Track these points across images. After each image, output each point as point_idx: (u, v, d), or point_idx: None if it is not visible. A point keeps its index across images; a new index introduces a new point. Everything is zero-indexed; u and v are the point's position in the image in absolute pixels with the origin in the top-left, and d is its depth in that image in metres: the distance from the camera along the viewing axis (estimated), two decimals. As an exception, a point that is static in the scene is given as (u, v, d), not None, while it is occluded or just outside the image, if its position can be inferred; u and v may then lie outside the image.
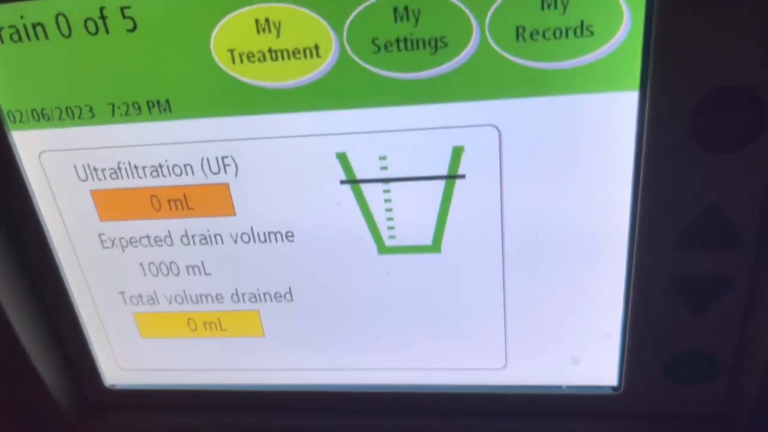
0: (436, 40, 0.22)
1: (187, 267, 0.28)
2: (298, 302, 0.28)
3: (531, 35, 0.21)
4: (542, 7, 0.21)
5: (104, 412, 0.33)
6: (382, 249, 0.27)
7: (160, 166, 0.26)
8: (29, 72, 0.25)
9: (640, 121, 0.22)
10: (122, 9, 0.23)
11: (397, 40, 0.22)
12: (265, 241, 0.27)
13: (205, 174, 0.26)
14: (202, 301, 0.29)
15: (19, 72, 0.25)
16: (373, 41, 0.22)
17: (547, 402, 0.29)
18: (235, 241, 0.27)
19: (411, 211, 0.26)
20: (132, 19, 0.23)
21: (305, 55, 0.23)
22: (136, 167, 0.26)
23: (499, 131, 0.23)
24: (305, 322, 0.29)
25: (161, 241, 0.28)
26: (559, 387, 0.29)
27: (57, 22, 0.23)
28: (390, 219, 0.26)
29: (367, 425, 0.31)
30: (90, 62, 0.24)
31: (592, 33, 0.21)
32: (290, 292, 0.28)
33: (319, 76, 0.23)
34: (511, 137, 0.23)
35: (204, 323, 0.30)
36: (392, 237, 0.26)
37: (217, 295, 0.29)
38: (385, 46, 0.22)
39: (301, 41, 0.23)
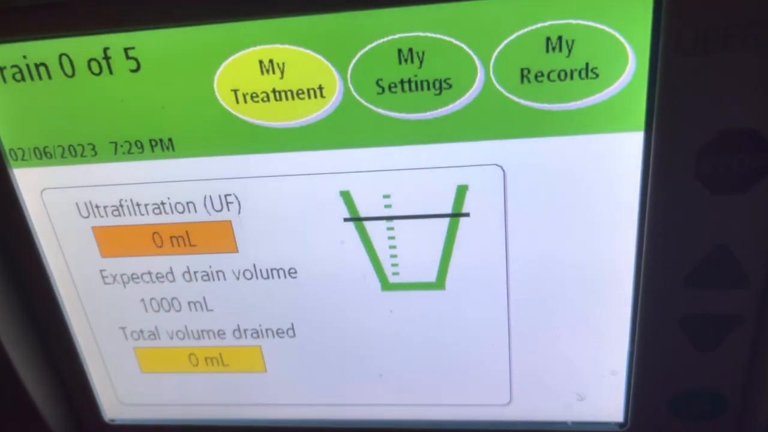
0: (440, 82, 0.22)
1: (189, 303, 0.28)
2: (300, 338, 0.28)
3: (536, 77, 0.21)
4: (547, 50, 0.21)
5: (104, 446, 0.33)
6: (386, 286, 0.26)
7: (163, 203, 0.26)
8: (32, 111, 0.24)
9: (645, 162, 0.22)
10: (126, 50, 0.23)
11: (402, 82, 0.22)
12: (268, 277, 0.27)
13: (207, 211, 0.26)
14: (203, 337, 0.29)
15: (21, 110, 0.24)
16: (377, 82, 0.22)
17: (552, 438, 0.29)
18: (238, 278, 0.27)
19: (415, 249, 0.25)
20: (136, 59, 0.23)
21: (309, 96, 0.23)
22: (138, 204, 0.26)
23: (503, 171, 0.23)
24: (308, 358, 0.29)
25: (163, 277, 0.28)
26: (565, 423, 0.29)
27: (60, 63, 0.23)
28: (394, 256, 0.26)
29: (371, 461, 0.30)
30: (93, 101, 0.24)
31: (597, 75, 0.21)
32: (293, 328, 0.28)
33: (322, 116, 0.23)
34: (516, 177, 0.23)
35: (205, 359, 0.30)
36: (396, 274, 0.26)
37: (218, 331, 0.29)
38: (390, 88, 0.22)
39: (305, 82, 0.23)
